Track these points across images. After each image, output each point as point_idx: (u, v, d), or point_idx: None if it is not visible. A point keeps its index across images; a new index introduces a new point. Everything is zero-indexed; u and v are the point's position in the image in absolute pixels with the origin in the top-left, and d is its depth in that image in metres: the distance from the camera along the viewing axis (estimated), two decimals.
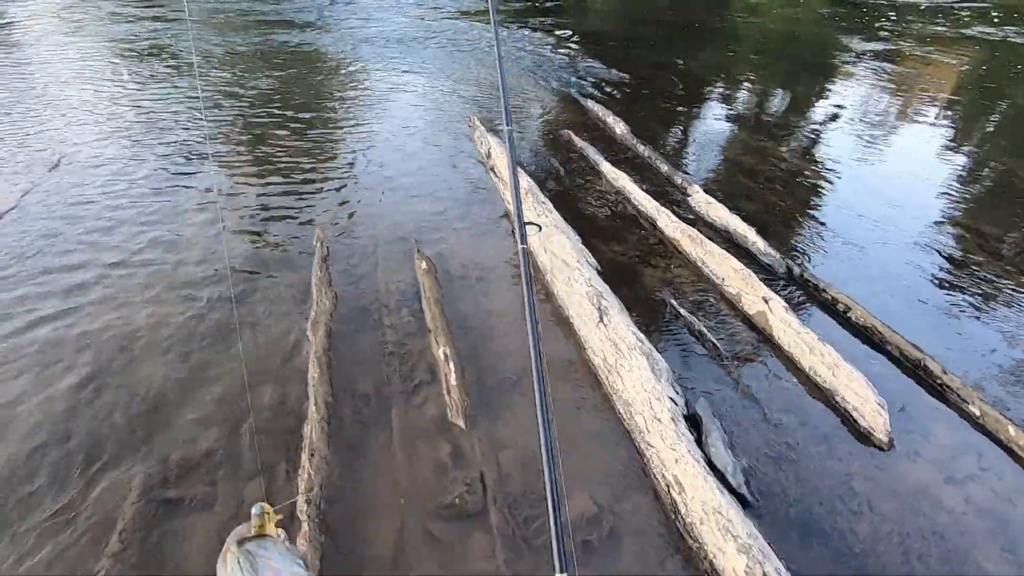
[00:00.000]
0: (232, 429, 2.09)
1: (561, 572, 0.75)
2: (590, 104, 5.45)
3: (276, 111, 5.13)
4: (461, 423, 2.11)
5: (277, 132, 4.69)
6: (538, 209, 3.29)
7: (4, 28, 7.68)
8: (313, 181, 3.90)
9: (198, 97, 5.35)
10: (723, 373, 2.37)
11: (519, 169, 3.93)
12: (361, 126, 4.92)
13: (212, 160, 4.15)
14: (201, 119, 4.86)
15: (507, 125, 1.14)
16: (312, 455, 1.94)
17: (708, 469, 1.81)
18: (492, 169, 4.14)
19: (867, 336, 2.58)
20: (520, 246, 1.05)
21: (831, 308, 2.77)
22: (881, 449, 2.02)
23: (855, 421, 2.12)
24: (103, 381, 2.26)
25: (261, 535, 0.70)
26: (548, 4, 10.71)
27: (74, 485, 1.87)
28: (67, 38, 7.32)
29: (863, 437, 2.07)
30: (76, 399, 2.18)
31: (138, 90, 5.50)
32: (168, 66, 6.27)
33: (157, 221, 3.33)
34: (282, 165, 4.10)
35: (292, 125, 4.84)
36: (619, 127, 4.88)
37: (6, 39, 7.21)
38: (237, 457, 1.99)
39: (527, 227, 1.09)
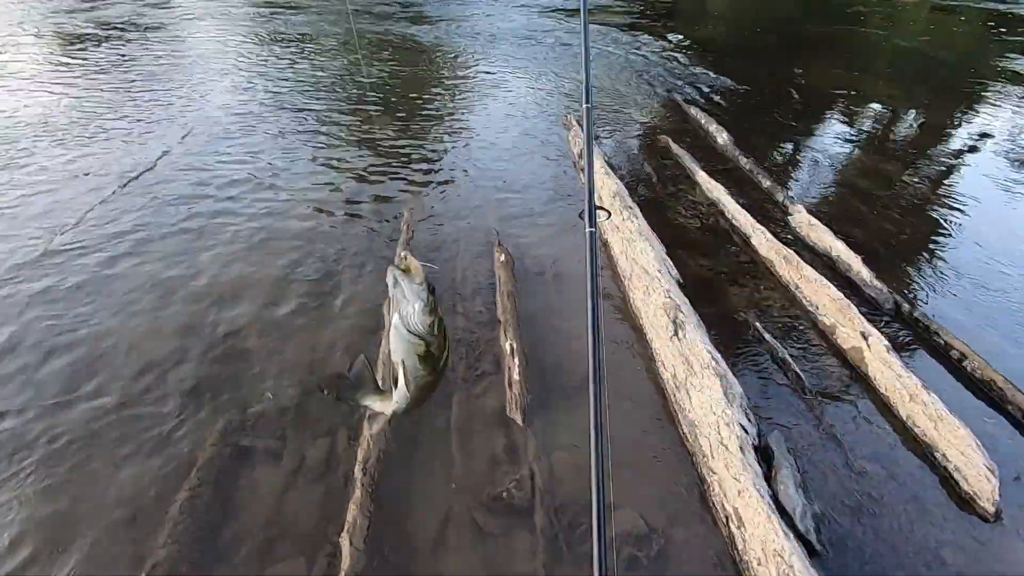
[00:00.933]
0: (305, 392, 2.22)
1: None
2: (693, 111, 5.24)
3: (384, 96, 5.38)
4: (519, 419, 2.10)
5: (383, 116, 4.92)
6: (624, 214, 3.20)
7: (166, 10, 8.65)
8: (408, 166, 4.05)
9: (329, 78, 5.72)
10: (804, 408, 2.19)
11: (609, 169, 3.86)
12: (461, 117, 5.05)
13: (319, 135, 4.42)
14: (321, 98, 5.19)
15: (586, 103, 1.11)
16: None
17: (773, 507, 1.68)
18: (583, 170, 4.09)
19: (984, 391, 2.27)
20: (588, 229, 1.02)
21: (943, 354, 2.47)
22: (985, 520, 1.77)
23: (956, 483, 1.88)
24: (215, 328, 2.48)
25: (405, 269, 0.98)
26: (664, 9, 10.41)
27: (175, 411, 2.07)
28: (219, 25, 8.12)
29: (964, 503, 1.83)
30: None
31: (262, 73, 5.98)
32: (295, 52, 6.77)
33: (267, 186, 3.61)
34: (382, 149, 4.29)
35: (398, 112, 5.06)
36: (721, 136, 4.65)
37: (167, 22, 8.11)
38: (307, 417, 2.10)
39: (598, 212, 1.05)
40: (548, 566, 1.66)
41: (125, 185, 3.62)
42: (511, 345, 2.37)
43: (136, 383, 2.21)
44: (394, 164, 4.06)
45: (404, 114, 5.02)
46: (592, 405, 0.83)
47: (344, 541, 1.67)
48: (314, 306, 2.66)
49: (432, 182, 3.85)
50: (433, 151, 4.33)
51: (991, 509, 1.77)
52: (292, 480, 1.90)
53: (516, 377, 2.23)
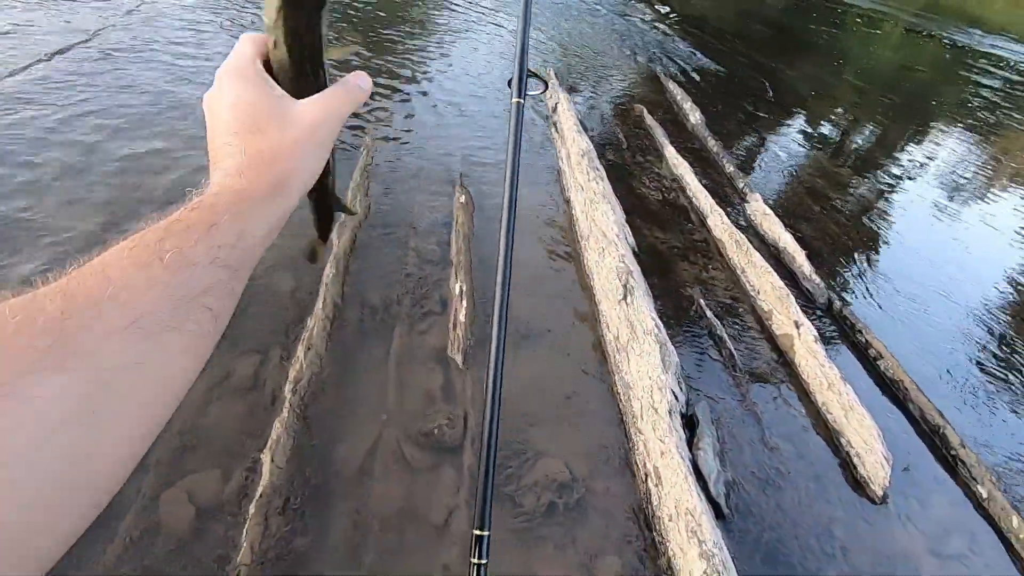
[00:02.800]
0: (243, 303, 2.09)
1: (482, 529, 0.70)
2: (671, 86, 5.21)
3: (362, 16, 5.01)
4: (459, 360, 2.08)
5: (359, 37, 4.59)
6: (591, 174, 3.17)
7: None
8: (378, 93, 3.82)
9: None
10: (733, 384, 2.29)
11: (580, 128, 3.80)
12: (441, 55, 4.79)
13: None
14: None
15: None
16: (309, 348, 1.94)
17: (691, 470, 1.76)
18: (555, 124, 4.01)
19: (892, 390, 2.45)
20: (514, 99, 0.92)
21: (863, 351, 2.64)
22: (873, 502, 1.93)
23: (854, 467, 2.03)
24: None
25: None
26: None
27: None
28: None
29: (858, 485, 1.99)
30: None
31: None
32: None
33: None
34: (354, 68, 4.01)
35: (373, 35, 4.73)
36: (694, 116, 4.66)
37: None
38: (239, 332, 2.00)
39: (530, 81, 0.95)
40: (470, 504, 1.68)
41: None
42: (460, 287, 2.33)
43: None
44: None
45: (374, 36, 4.71)
46: (497, 303, 0.77)
47: (265, 457, 1.62)
48: None
49: (397, 112, 3.66)
50: (403, 80, 4.10)
51: (880, 493, 1.93)
52: (215, 393, 1.81)
53: (462, 319, 2.19)
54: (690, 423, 2.01)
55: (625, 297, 2.34)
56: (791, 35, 9.01)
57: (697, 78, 5.72)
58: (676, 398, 1.99)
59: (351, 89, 0.47)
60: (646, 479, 1.80)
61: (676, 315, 2.57)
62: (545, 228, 2.96)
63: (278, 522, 1.52)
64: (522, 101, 0.95)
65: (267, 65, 0.46)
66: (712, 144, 4.28)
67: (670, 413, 1.91)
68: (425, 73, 4.31)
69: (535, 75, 0.97)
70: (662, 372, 2.02)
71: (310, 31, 0.46)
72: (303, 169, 0.42)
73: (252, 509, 1.51)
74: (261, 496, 1.53)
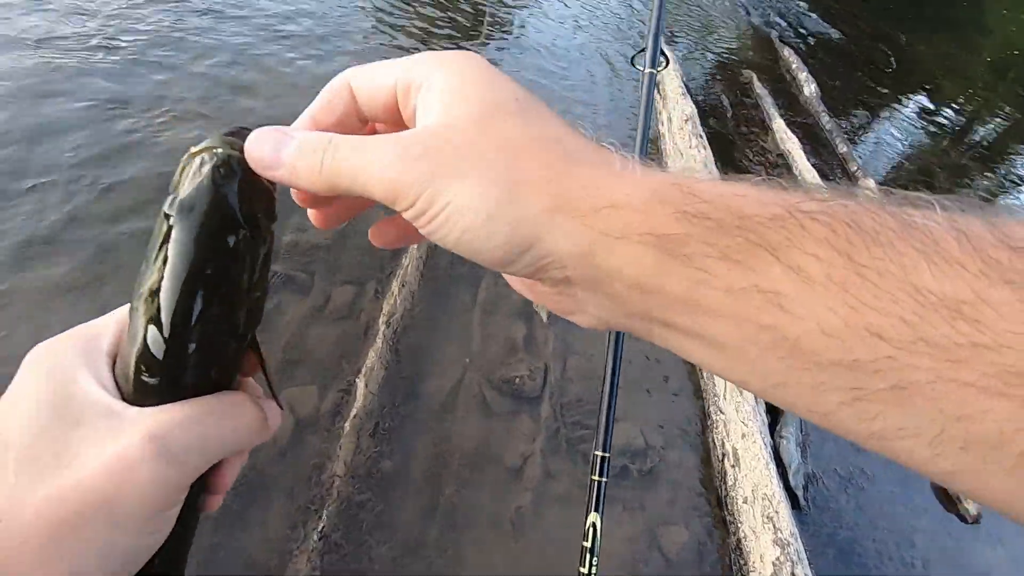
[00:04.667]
0: (340, 235, 2.18)
1: (604, 451, 0.76)
2: (786, 52, 4.81)
3: None
4: (543, 315, 2.10)
5: None
6: (693, 141, 3.02)
7: None
8: (474, 38, 3.76)
9: None
10: None
11: (685, 90, 3.60)
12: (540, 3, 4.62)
13: None
14: None
15: None
16: (403, 285, 2.00)
17: (772, 456, 1.73)
18: (657, 85, 3.81)
19: None
20: (647, 70, 0.86)
21: None
22: (964, 520, 1.84)
23: None
24: None
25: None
26: None
27: None
28: None
29: (950, 501, 1.89)
30: None
31: None
32: None
33: None
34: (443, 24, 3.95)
35: None
36: (809, 87, 4.31)
37: None
38: (337, 261, 2.08)
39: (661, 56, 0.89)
40: (545, 454, 1.73)
41: None
42: None
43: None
44: (456, 37, 3.76)
45: None
46: None
47: (360, 382, 1.71)
48: None
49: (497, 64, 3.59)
50: (500, 37, 3.99)
51: (974, 512, 1.83)
52: (316, 315, 1.92)
53: None
54: (772, 409, 1.96)
55: None
56: (926, 4, 8.06)
57: (814, 44, 5.26)
58: None
59: (242, 408, 0.30)
60: (723, 459, 1.78)
61: None
62: None
63: (368, 443, 1.62)
64: (655, 72, 0.91)
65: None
66: (825, 120, 3.96)
67: (755, 397, 1.86)
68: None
69: (664, 52, 0.92)
70: None
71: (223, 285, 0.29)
72: (69, 570, 0.25)
73: (347, 427, 1.61)
74: (355, 417, 1.63)
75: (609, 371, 0.81)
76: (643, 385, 2.03)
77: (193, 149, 0.29)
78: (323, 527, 1.41)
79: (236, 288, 0.29)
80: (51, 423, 0.27)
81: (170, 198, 0.28)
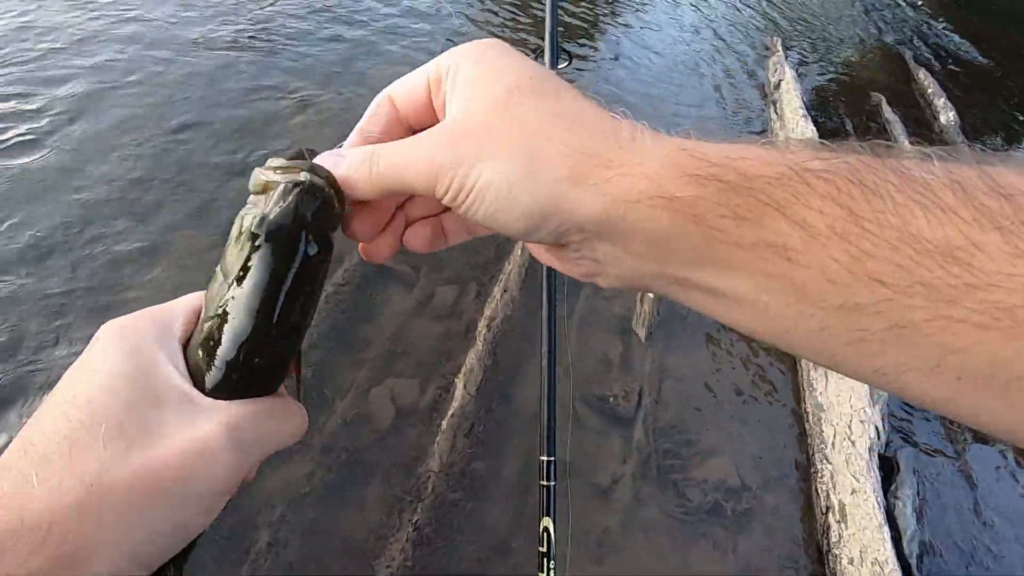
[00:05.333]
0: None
1: (547, 455, 0.75)
2: (921, 74, 4.43)
3: None
4: (642, 335, 2.05)
5: None
6: None
7: None
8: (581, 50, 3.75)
9: None
10: (946, 437, 2.00)
11: (805, 111, 3.40)
12: (648, 13, 4.54)
13: None
14: None
15: None
16: (505, 291, 2.03)
17: (886, 518, 1.59)
18: (773, 103, 3.64)
19: None
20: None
21: None
22: None
23: None
24: None
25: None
26: None
27: None
28: None
29: None
30: None
31: None
32: None
33: None
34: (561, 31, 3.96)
35: None
36: (946, 115, 3.94)
37: None
38: (442, 260, 2.15)
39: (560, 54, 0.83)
40: (635, 479, 1.69)
41: None
42: None
43: None
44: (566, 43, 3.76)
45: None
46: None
47: (459, 382, 1.76)
48: None
49: (603, 78, 3.56)
50: (599, 48, 3.95)
51: None
52: (419, 311, 1.99)
53: (651, 295, 2.14)
54: (885, 465, 1.81)
55: None
56: None
57: (955, 69, 4.80)
58: (878, 435, 1.79)
59: (293, 412, 0.33)
60: (827, 512, 1.66)
61: None
62: None
63: (464, 443, 1.65)
64: (556, 71, 0.89)
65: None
66: None
67: (870, 451, 1.72)
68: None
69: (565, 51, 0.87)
70: (868, 404, 1.82)
71: (296, 289, 0.31)
72: (140, 538, 0.27)
73: (444, 425, 1.66)
74: (452, 416, 1.68)
75: (545, 367, 0.84)
76: (739, 418, 1.94)
77: (274, 165, 0.32)
78: (417, 519, 1.45)
79: (308, 301, 0.32)
80: (137, 400, 0.29)
81: (257, 216, 0.31)
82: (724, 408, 1.96)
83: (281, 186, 0.32)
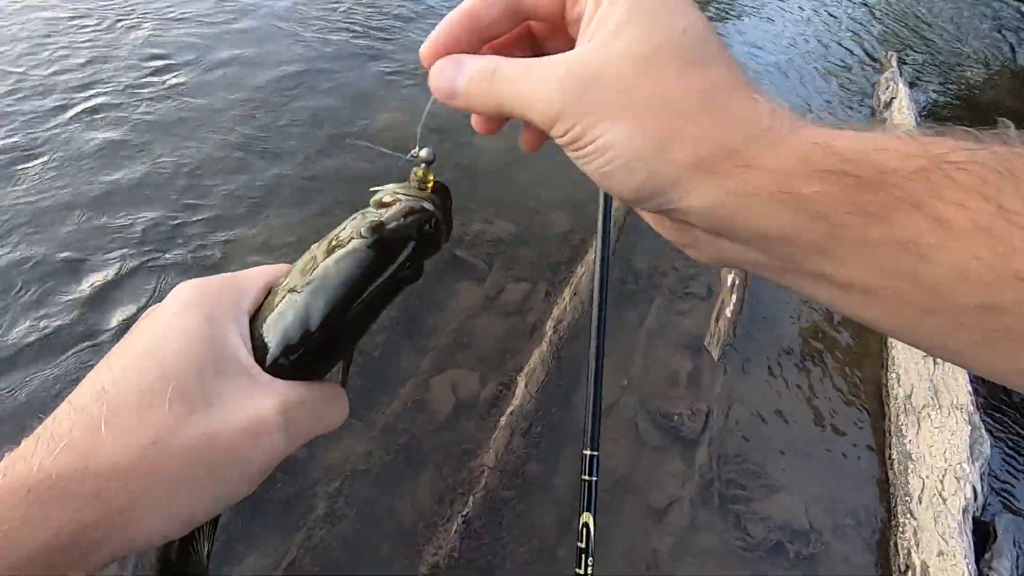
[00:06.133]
0: (522, 234, 2.24)
1: (590, 449, 0.71)
2: None
3: None
4: (715, 354, 1.96)
5: None
6: None
7: None
8: None
9: None
10: None
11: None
12: (762, 9, 4.33)
13: None
14: None
15: None
16: (575, 294, 2.00)
17: None
18: (883, 122, 3.37)
19: None
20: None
21: None
22: None
23: None
24: None
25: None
26: None
27: None
28: None
29: None
30: None
31: None
32: None
33: None
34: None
35: None
36: None
37: None
38: (516, 257, 2.14)
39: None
40: (694, 503, 1.62)
41: None
42: (734, 279, 2.16)
43: None
44: None
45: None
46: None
47: (521, 380, 1.75)
48: None
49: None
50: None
51: None
52: (488, 305, 2.00)
53: (728, 314, 2.04)
54: (980, 529, 1.63)
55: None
56: None
57: None
58: (975, 496, 1.61)
59: (340, 401, 0.33)
60: (905, 571, 1.52)
61: (994, 394, 2.05)
62: None
63: (520, 442, 1.64)
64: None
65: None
66: None
67: (963, 511, 1.55)
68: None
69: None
70: (966, 461, 1.64)
71: (380, 292, 0.32)
72: (189, 501, 0.27)
73: (502, 422, 1.65)
74: (511, 413, 1.67)
75: (593, 353, 0.79)
76: (813, 456, 1.81)
77: (402, 189, 0.34)
78: (468, 512, 1.46)
79: (378, 310, 0.34)
80: (204, 367, 0.30)
81: (375, 221, 0.32)
82: (797, 442, 1.83)
83: (405, 205, 0.34)
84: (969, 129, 0.23)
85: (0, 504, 0.25)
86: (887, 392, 1.96)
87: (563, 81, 0.27)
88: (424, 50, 0.32)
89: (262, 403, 0.31)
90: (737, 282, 2.15)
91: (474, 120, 0.34)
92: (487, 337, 1.92)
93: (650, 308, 2.09)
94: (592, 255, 2.16)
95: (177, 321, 0.31)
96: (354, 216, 0.35)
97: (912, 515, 1.61)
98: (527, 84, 0.28)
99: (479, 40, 0.31)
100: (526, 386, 1.72)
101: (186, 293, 0.33)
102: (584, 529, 0.76)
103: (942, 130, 0.24)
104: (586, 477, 0.80)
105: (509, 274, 2.11)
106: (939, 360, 1.93)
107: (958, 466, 1.64)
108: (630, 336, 2.00)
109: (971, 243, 0.21)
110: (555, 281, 2.10)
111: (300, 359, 0.33)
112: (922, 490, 1.63)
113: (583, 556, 0.75)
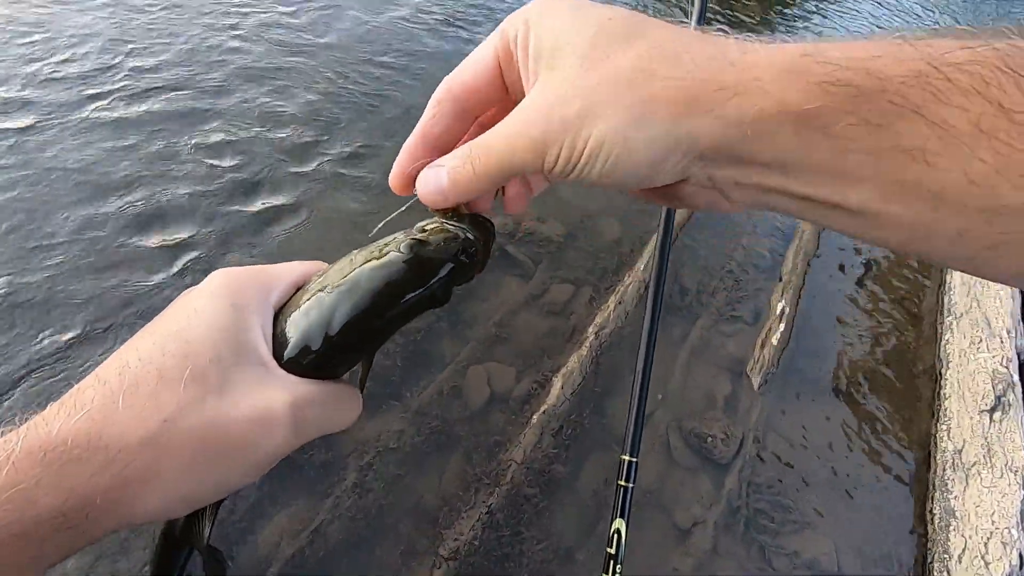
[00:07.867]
0: (572, 235, 2.24)
1: (630, 455, 0.70)
2: None
3: None
4: (755, 381, 1.92)
5: None
6: None
7: None
8: None
9: None
10: None
11: None
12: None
13: None
14: None
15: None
16: (620, 303, 1.99)
17: None
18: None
19: None
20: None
21: None
22: None
23: None
24: None
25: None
26: None
27: None
28: None
29: None
30: None
31: None
32: None
33: None
34: None
35: None
36: None
37: None
38: (563, 257, 2.14)
39: None
40: (718, 528, 1.58)
41: None
42: (783, 308, 2.11)
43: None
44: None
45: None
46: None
47: (557, 381, 1.75)
48: None
49: None
50: None
51: None
52: (530, 303, 2.00)
53: (773, 342, 1.99)
54: None
55: (993, 411, 1.83)
56: None
57: None
58: (1020, 564, 1.53)
59: (352, 402, 0.32)
60: None
61: None
62: (897, 286, 2.47)
63: (549, 441, 1.64)
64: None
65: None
66: None
67: None
68: None
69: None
70: (1015, 525, 1.56)
71: (410, 302, 0.32)
72: (191, 482, 0.27)
73: (534, 420, 1.65)
74: (544, 412, 1.67)
75: (642, 357, 0.81)
76: (847, 498, 1.75)
77: (451, 220, 0.35)
78: (492, 503, 1.47)
79: (400, 325, 0.34)
80: (225, 355, 0.30)
81: (414, 240, 0.34)
82: (832, 483, 1.77)
83: (451, 232, 0.35)
84: (969, 27, 0.23)
85: (17, 464, 0.26)
86: (935, 444, 1.87)
87: (534, 120, 0.28)
88: (393, 181, 0.34)
89: (273, 396, 0.33)
90: (788, 311, 2.10)
91: (505, 205, 0.36)
92: (527, 334, 1.92)
93: (694, 326, 2.06)
94: (640, 265, 2.15)
95: (208, 308, 0.33)
96: (396, 234, 0.36)
97: (949, 574, 1.54)
98: (503, 142, 0.30)
99: (439, 153, 0.33)
100: (561, 387, 1.72)
101: (218, 280, 0.35)
102: (616, 535, 0.76)
103: (942, 30, 0.24)
104: (623, 483, 0.80)
105: (555, 275, 2.11)
106: (995, 418, 1.84)
107: (1006, 531, 1.56)
108: (671, 351, 1.98)
109: (974, 145, 0.20)
110: (600, 287, 2.09)
111: (316, 359, 0.34)
112: (963, 550, 1.56)
113: (611, 562, 0.75)
